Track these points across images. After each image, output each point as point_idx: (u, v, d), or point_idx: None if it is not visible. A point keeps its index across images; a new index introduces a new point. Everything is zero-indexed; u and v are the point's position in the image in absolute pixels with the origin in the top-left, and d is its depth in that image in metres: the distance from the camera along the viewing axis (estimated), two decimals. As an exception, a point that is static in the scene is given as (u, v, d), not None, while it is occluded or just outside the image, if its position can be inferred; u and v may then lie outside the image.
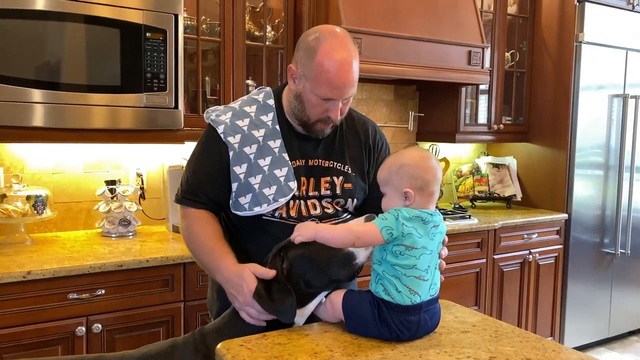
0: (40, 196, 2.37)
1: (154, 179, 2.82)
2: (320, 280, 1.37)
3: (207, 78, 2.75)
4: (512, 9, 3.70)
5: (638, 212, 3.95)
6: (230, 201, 1.58)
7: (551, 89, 3.67)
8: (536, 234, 3.47)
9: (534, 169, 3.82)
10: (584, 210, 3.68)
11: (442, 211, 3.30)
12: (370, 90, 3.52)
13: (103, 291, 2.10)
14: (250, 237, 1.58)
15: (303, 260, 1.37)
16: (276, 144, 1.57)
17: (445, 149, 3.77)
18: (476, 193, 3.76)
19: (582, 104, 3.58)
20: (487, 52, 3.42)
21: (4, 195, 2.32)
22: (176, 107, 2.38)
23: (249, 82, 2.76)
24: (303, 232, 1.34)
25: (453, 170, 3.89)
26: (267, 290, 1.37)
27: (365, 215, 1.40)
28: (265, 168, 1.55)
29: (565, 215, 3.61)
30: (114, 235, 2.53)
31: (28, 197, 2.35)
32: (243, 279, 1.39)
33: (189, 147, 1.69)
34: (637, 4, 3.73)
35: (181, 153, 2.74)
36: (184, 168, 1.74)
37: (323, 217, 1.59)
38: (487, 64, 3.39)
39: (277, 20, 2.90)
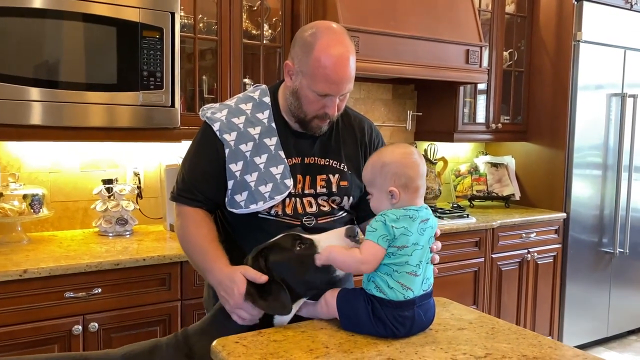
0: (37, 195, 2.36)
1: (151, 178, 2.81)
2: (298, 287, 1.37)
3: (204, 77, 2.75)
4: (510, 8, 3.70)
5: (636, 211, 3.95)
6: (226, 199, 1.58)
7: (549, 88, 3.67)
8: (534, 234, 3.47)
9: (532, 168, 3.82)
10: (582, 210, 3.68)
11: (440, 210, 3.31)
12: (368, 89, 3.52)
13: (100, 290, 2.10)
14: (246, 234, 1.58)
15: (282, 266, 1.37)
16: (272, 141, 1.57)
17: (443, 149, 3.77)
18: (474, 192, 3.76)
19: (581, 103, 3.58)
20: (486, 51, 3.42)
21: (1, 194, 2.32)
22: (173, 105, 2.37)
23: (246, 80, 2.76)
24: (321, 254, 1.34)
25: (451, 169, 3.88)
26: (258, 289, 1.36)
27: (345, 227, 1.39)
28: (261, 166, 1.54)
29: (564, 215, 3.60)
30: (111, 235, 2.53)
31: (25, 196, 2.34)
32: (234, 281, 1.38)
33: (186, 145, 1.68)
34: (635, 3, 3.73)
35: (178, 152, 2.73)
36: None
37: (319, 215, 1.59)
38: (485, 63, 3.39)
39: (274, 19, 2.90)
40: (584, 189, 3.68)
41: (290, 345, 1.26)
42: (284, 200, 1.55)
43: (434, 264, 1.38)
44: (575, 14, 3.51)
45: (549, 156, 3.70)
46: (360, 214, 1.71)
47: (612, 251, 3.83)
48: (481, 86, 3.57)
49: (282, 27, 2.83)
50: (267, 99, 1.62)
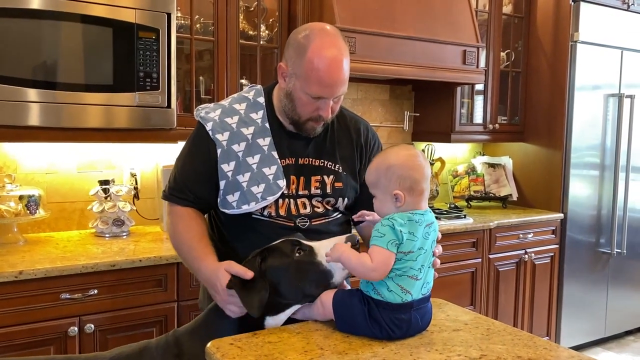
0: (33, 196, 2.36)
1: (148, 179, 2.81)
2: (292, 293, 1.37)
3: (201, 77, 2.75)
4: (507, 8, 3.70)
5: (634, 211, 3.95)
6: (218, 199, 1.57)
7: (547, 88, 3.67)
8: (532, 234, 3.47)
9: (529, 168, 3.82)
10: (579, 210, 3.68)
11: (437, 211, 3.31)
12: (366, 90, 3.52)
13: (96, 291, 2.09)
14: (239, 235, 1.57)
15: (279, 271, 1.37)
16: (265, 141, 1.56)
17: (440, 149, 3.77)
18: (472, 193, 3.76)
19: (578, 104, 3.58)
20: (483, 52, 3.42)
21: (-3, 195, 2.32)
22: (169, 106, 2.37)
23: (243, 81, 2.76)
24: (333, 252, 1.33)
25: (449, 170, 3.88)
26: (243, 281, 1.36)
27: (345, 235, 1.38)
28: (254, 166, 1.54)
29: (561, 215, 3.60)
30: (107, 236, 2.52)
31: (21, 197, 2.34)
32: (217, 277, 1.39)
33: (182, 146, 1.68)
34: (632, 4, 3.74)
35: (175, 152, 2.69)
36: (174, 165, 1.73)
37: (313, 217, 1.58)
38: (482, 64, 3.39)
39: (271, 20, 2.90)
40: (581, 190, 3.68)
41: (285, 346, 1.26)
42: (277, 201, 1.55)
43: (435, 268, 1.38)
44: (572, 14, 3.51)
45: (546, 156, 3.70)
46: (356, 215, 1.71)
47: (609, 251, 3.83)
48: (478, 87, 3.57)
49: (279, 28, 2.83)
50: (262, 99, 1.62)
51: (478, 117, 3.64)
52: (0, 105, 2.06)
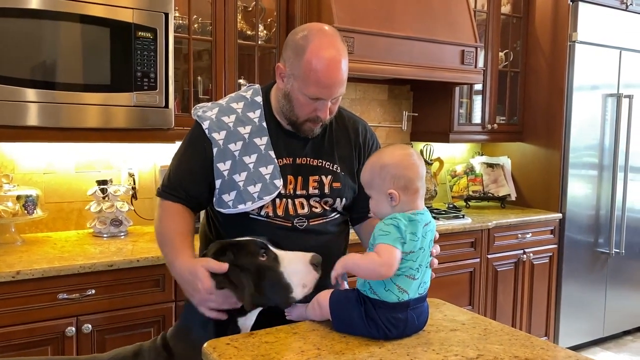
0: (30, 196, 2.36)
1: (146, 179, 2.81)
2: (253, 295, 1.36)
3: (199, 77, 2.75)
4: (505, 8, 3.70)
5: (632, 211, 3.95)
6: (214, 198, 1.57)
7: (545, 88, 3.67)
8: (530, 234, 3.47)
9: (528, 168, 3.82)
10: (578, 210, 3.68)
11: (436, 211, 3.31)
12: (364, 90, 3.51)
13: (93, 291, 2.09)
14: (236, 235, 1.56)
15: (244, 269, 1.37)
16: (262, 141, 1.56)
17: (439, 149, 3.77)
18: (470, 193, 3.76)
19: (576, 104, 3.59)
20: (481, 52, 3.42)
21: (-6, 195, 2.31)
22: (167, 106, 2.37)
23: (241, 81, 2.76)
24: (336, 268, 1.33)
25: (447, 170, 3.89)
26: (229, 280, 1.36)
27: (311, 254, 1.39)
28: (251, 165, 1.54)
29: (560, 215, 3.61)
30: (105, 236, 2.52)
31: (18, 197, 2.33)
32: (197, 277, 1.37)
33: (180, 146, 1.68)
34: (631, 4, 3.74)
35: (173, 152, 2.72)
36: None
37: (311, 217, 1.58)
38: (480, 64, 3.39)
39: (269, 20, 2.90)
40: (579, 190, 3.68)
41: (282, 346, 1.26)
42: (274, 201, 1.54)
43: (432, 268, 1.38)
44: (570, 14, 3.51)
45: (544, 156, 3.70)
46: (354, 215, 1.71)
47: (608, 251, 3.84)
48: (477, 87, 3.57)
49: (277, 28, 2.83)
50: (259, 99, 1.61)
51: (476, 117, 3.64)
52: (0, 106, 2.05)
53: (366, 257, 1.28)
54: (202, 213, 1.76)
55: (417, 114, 3.65)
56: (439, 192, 3.72)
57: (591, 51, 3.60)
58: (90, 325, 2.08)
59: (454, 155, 3.98)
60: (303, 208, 1.57)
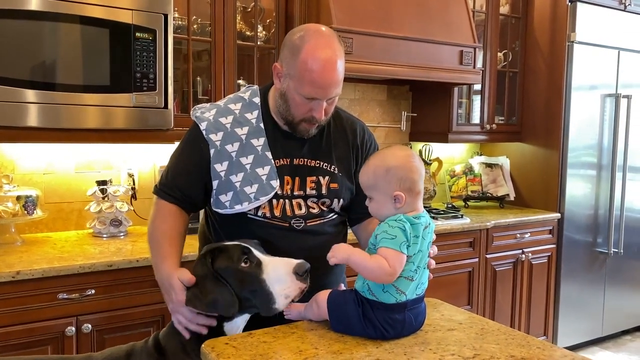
0: (30, 196, 2.36)
1: (145, 179, 2.81)
2: (231, 303, 1.36)
3: (198, 78, 2.75)
4: (504, 9, 3.71)
5: (631, 211, 3.96)
6: (211, 199, 1.58)
7: (544, 88, 3.68)
8: (529, 234, 3.48)
9: (527, 168, 3.83)
10: (576, 210, 3.69)
11: (435, 211, 3.32)
12: (363, 90, 3.52)
13: (93, 291, 2.10)
14: (234, 236, 1.57)
15: (225, 273, 1.37)
16: (259, 142, 1.57)
17: (438, 149, 3.78)
18: (469, 193, 3.77)
19: (575, 104, 3.59)
20: (480, 52, 3.43)
21: (-6, 196, 2.32)
22: (166, 106, 2.38)
23: (241, 82, 2.77)
24: (337, 253, 1.31)
25: (446, 170, 3.89)
26: (202, 291, 1.37)
27: (297, 262, 1.37)
28: (247, 166, 1.55)
29: (558, 215, 3.61)
30: (105, 236, 2.53)
31: (18, 198, 2.34)
32: (172, 286, 1.42)
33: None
34: (629, 4, 3.75)
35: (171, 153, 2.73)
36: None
37: (308, 217, 1.59)
38: (479, 64, 3.40)
39: (268, 20, 2.91)
40: (578, 189, 3.69)
41: (280, 346, 1.27)
42: (271, 202, 1.55)
43: (429, 269, 1.39)
44: (569, 14, 3.52)
45: (543, 156, 3.71)
46: (352, 216, 1.72)
47: (606, 251, 3.84)
48: (476, 87, 3.58)
49: (276, 29, 2.84)
50: (257, 100, 1.62)
51: (475, 117, 3.64)
52: (0, 107, 2.06)
53: (375, 261, 1.26)
54: (202, 213, 1.77)
55: (416, 114, 3.66)
56: (438, 192, 3.73)
57: (590, 51, 3.61)
58: (90, 325, 2.09)
59: (452, 155, 3.99)
60: (300, 209, 1.58)
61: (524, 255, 3.45)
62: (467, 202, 3.79)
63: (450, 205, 3.58)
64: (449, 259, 3.11)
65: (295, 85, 1.48)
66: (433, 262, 1.40)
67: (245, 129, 1.57)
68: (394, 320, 1.29)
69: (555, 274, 3.64)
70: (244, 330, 1.43)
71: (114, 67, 2.25)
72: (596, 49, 3.64)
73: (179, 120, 2.47)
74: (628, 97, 3.82)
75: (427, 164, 3.61)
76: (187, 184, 1.59)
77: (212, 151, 1.55)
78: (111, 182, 2.62)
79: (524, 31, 3.76)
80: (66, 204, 2.65)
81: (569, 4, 3.52)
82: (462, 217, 3.26)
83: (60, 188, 2.63)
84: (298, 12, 2.78)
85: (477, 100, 3.65)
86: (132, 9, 2.26)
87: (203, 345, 1.28)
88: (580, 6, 3.51)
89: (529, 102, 3.78)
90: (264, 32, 2.88)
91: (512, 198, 3.82)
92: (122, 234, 2.56)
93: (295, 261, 1.38)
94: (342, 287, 1.48)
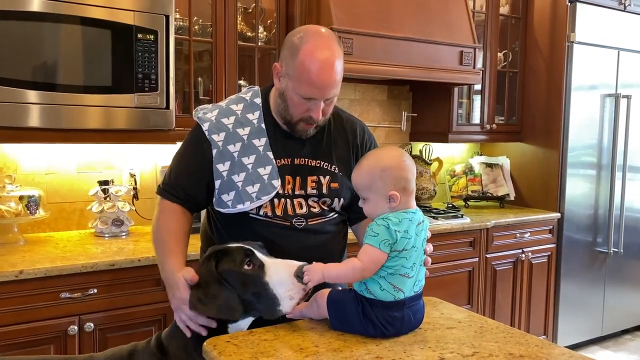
0: (33, 196, 2.38)
1: (147, 179, 2.83)
2: (236, 306, 1.37)
3: (199, 79, 2.77)
4: (504, 9, 3.72)
5: (630, 211, 3.97)
6: (214, 198, 1.60)
7: (544, 88, 3.69)
8: (529, 233, 3.49)
9: (527, 168, 3.84)
10: (576, 210, 3.70)
11: (435, 210, 3.33)
12: (364, 90, 3.54)
13: (95, 290, 2.12)
14: (237, 235, 1.58)
15: (229, 276, 1.38)
16: (261, 142, 1.59)
17: (438, 149, 3.79)
18: (469, 193, 3.78)
19: (575, 104, 3.61)
20: (480, 53, 3.44)
21: (-3, 196, 2.34)
22: (167, 107, 2.39)
23: (242, 82, 2.78)
24: (312, 275, 1.34)
25: (446, 170, 3.91)
26: (206, 294, 1.37)
27: (298, 264, 1.38)
28: (249, 166, 1.56)
29: (558, 215, 3.62)
30: (107, 235, 2.55)
31: (21, 198, 2.36)
32: (177, 285, 1.43)
33: (181, 147, 1.71)
34: (629, 4, 3.76)
35: (174, 153, 2.74)
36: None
37: (309, 216, 1.60)
38: (479, 64, 3.41)
39: (269, 21, 2.92)
40: (578, 189, 3.70)
41: (281, 344, 1.28)
42: (273, 201, 1.57)
43: (426, 267, 1.40)
44: (568, 15, 3.53)
45: (543, 156, 3.72)
46: (352, 215, 1.73)
47: (606, 251, 3.85)
48: (476, 87, 3.59)
49: (276, 29, 2.85)
50: (258, 100, 1.64)
51: (475, 117, 3.66)
52: (0, 107, 2.08)
53: (345, 265, 1.33)
54: (203, 213, 1.79)
55: (416, 114, 3.68)
56: (438, 192, 3.74)
57: (589, 51, 3.62)
58: (92, 324, 2.11)
59: (453, 155, 4.00)
60: (301, 208, 1.60)
61: (524, 255, 3.47)
62: (468, 202, 3.80)
63: (450, 205, 3.59)
64: (449, 258, 3.12)
65: (294, 85, 1.50)
66: (429, 259, 1.42)
67: (247, 130, 1.59)
68: (393, 317, 1.30)
69: (555, 273, 3.65)
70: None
71: (115, 68, 2.26)
72: (596, 49, 3.65)
73: (181, 120, 2.49)
74: (628, 97, 3.83)
75: (427, 164, 3.63)
76: (190, 184, 1.61)
77: (214, 151, 1.57)
78: (113, 182, 2.63)
79: (524, 31, 3.77)
80: (68, 203, 2.66)
81: (569, 4, 3.53)
82: (462, 216, 3.27)
83: (62, 188, 2.64)
84: (298, 13, 2.80)
85: (477, 100, 3.66)
86: (133, 10, 2.27)
87: (205, 343, 1.29)
88: (580, 6, 3.52)
89: (529, 102, 3.79)
90: (264, 33, 2.90)
91: (512, 198, 3.83)
92: (123, 233, 2.58)
93: (297, 263, 1.39)
94: (339, 287, 1.49)
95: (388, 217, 1.31)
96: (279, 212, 1.58)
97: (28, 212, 2.36)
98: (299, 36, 1.51)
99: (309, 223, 1.60)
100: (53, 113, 2.17)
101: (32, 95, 2.13)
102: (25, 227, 2.53)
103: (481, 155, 4.01)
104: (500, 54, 3.69)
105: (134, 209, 2.67)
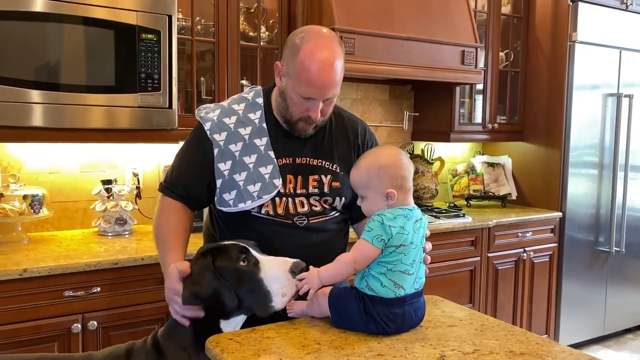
0: (37, 195, 2.39)
1: (149, 178, 2.84)
2: (230, 300, 1.38)
3: (202, 78, 2.78)
4: (506, 9, 3.73)
5: (632, 210, 3.97)
6: (215, 197, 1.61)
7: (545, 88, 3.70)
8: (531, 233, 3.49)
9: (528, 167, 3.85)
10: (578, 209, 3.70)
11: (436, 210, 3.34)
12: (366, 90, 3.54)
13: (99, 289, 2.13)
14: (239, 233, 1.60)
15: (225, 272, 1.39)
16: (262, 141, 1.60)
17: (440, 149, 3.80)
18: (471, 192, 3.78)
19: (576, 103, 3.61)
20: (482, 52, 3.44)
21: (1, 195, 2.35)
22: (170, 107, 2.41)
23: (244, 82, 2.79)
24: (310, 282, 1.36)
25: (448, 169, 3.91)
26: (202, 286, 1.38)
27: (293, 261, 1.40)
28: (251, 165, 1.58)
29: (560, 214, 3.63)
30: (110, 234, 2.56)
31: (25, 197, 2.37)
32: (169, 276, 1.45)
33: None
34: (631, 4, 3.76)
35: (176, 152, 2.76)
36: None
37: (311, 215, 1.61)
38: (481, 64, 3.42)
39: (271, 21, 2.93)
40: (580, 188, 3.70)
41: (283, 341, 1.29)
42: (274, 200, 1.58)
43: (425, 264, 1.42)
44: (570, 14, 3.53)
45: (545, 156, 3.73)
46: (353, 214, 1.73)
47: (608, 250, 3.86)
48: (478, 86, 3.60)
49: (279, 29, 2.86)
50: (260, 100, 1.65)
51: (477, 117, 3.66)
52: (4, 107, 2.09)
53: (338, 262, 1.35)
54: (206, 211, 1.80)
55: (418, 114, 3.68)
56: (440, 192, 3.74)
57: (591, 51, 3.62)
58: (95, 322, 2.12)
59: (455, 154, 4.01)
60: (303, 206, 1.61)
61: (525, 254, 3.47)
62: (469, 201, 3.81)
63: (452, 205, 3.60)
64: (451, 257, 3.12)
65: (293, 85, 1.51)
66: (429, 257, 1.44)
67: (249, 129, 1.60)
68: (394, 314, 1.32)
69: (557, 272, 3.66)
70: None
71: (118, 67, 2.27)
72: (598, 48, 3.65)
73: (183, 120, 2.50)
74: (630, 96, 3.83)
75: (429, 163, 3.63)
76: (191, 182, 1.62)
77: (215, 151, 1.58)
78: (116, 181, 2.64)
79: (526, 31, 3.77)
80: (71, 203, 2.67)
81: (571, 3, 3.53)
82: (464, 216, 3.27)
83: (65, 187, 2.65)
84: (300, 13, 2.81)
85: (479, 99, 3.67)
86: (136, 10, 2.28)
87: (207, 341, 1.30)
88: (581, 6, 3.53)
89: (531, 102, 3.79)
90: (267, 33, 2.91)
91: (514, 197, 3.83)
92: (126, 232, 2.59)
93: (291, 260, 1.41)
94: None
95: (383, 213, 1.33)
96: (280, 210, 1.59)
97: (32, 211, 2.38)
98: (300, 36, 1.52)
99: (311, 221, 1.61)
100: (56, 113, 2.18)
101: (35, 95, 2.14)
102: (29, 226, 2.54)
103: (483, 154, 4.01)
104: (502, 54, 3.70)
105: (137, 208, 2.69)
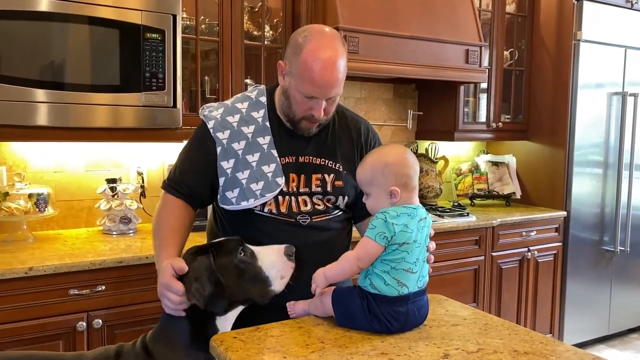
0: (42, 194, 2.40)
1: (154, 177, 2.85)
2: (236, 292, 1.41)
3: (206, 77, 2.79)
4: (510, 7, 3.72)
5: (637, 209, 3.96)
6: (218, 195, 1.62)
7: (550, 87, 3.69)
8: (535, 232, 3.49)
9: (533, 167, 3.84)
10: (583, 208, 3.69)
11: (440, 209, 3.33)
12: (370, 89, 3.54)
13: (103, 287, 2.14)
14: (242, 231, 1.60)
15: (224, 269, 1.41)
16: (265, 140, 1.60)
17: (444, 148, 3.79)
18: (475, 191, 3.78)
19: (581, 102, 3.60)
20: (486, 51, 3.44)
21: (7, 194, 2.36)
22: (174, 106, 2.41)
23: (248, 81, 2.79)
24: (317, 281, 1.39)
25: (452, 168, 3.91)
26: (201, 285, 1.39)
27: (284, 245, 1.47)
28: (254, 164, 1.58)
29: (564, 213, 3.62)
30: (114, 233, 2.57)
31: (30, 196, 2.38)
32: (162, 271, 1.44)
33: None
34: (636, 2, 3.74)
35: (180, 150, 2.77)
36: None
37: (313, 214, 1.61)
38: (485, 63, 3.41)
39: (275, 20, 2.93)
40: (584, 188, 3.69)
41: (287, 340, 1.29)
42: (277, 199, 1.58)
43: (429, 264, 1.42)
44: (575, 13, 3.52)
45: (549, 155, 3.72)
46: (356, 213, 1.74)
47: (612, 249, 3.85)
48: (482, 85, 3.59)
49: (282, 28, 2.86)
50: (264, 99, 1.66)
51: (482, 116, 3.66)
52: (10, 106, 2.10)
53: (342, 260, 1.37)
54: (210, 210, 1.81)
55: (422, 113, 3.68)
56: (444, 190, 3.74)
57: (596, 50, 3.61)
58: (100, 321, 2.13)
59: (459, 153, 4.01)
60: (306, 205, 1.61)
61: (530, 254, 3.46)
62: (473, 201, 3.80)
63: (456, 204, 3.59)
64: (455, 256, 3.12)
65: (296, 84, 1.52)
66: (432, 257, 1.44)
67: (252, 128, 1.61)
68: (398, 312, 1.32)
69: (562, 272, 3.65)
70: (233, 326, 1.46)
71: (123, 67, 2.28)
72: (602, 47, 3.64)
73: (187, 119, 2.50)
74: (635, 95, 3.82)
75: (433, 162, 3.63)
76: (194, 180, 1.63)
77: (218, 149, 1.59)
78: (121, 180, 2.65)
79: (530, 30, 3.76)
80: (76, 201, 2.69)
81: (575, 2, 3.52)
82: (468, 215, 3.27)
83: (70, 186, 2.67)
84: (304, 12, 2.81)
85: (483, 98, 3.66)
86: (141, 10, 2.29)
87: (212, 339, 1.31)
88: (586, 4, 3.52)
89: (535, 101, 3.78)
90: (270, 32, 2.91)
91: (518, 196, 3.82)
92: (131, 231, 2.60)
93: (282, 245, 1.49)
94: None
95: (386, 211, 1.34)
96: (283, 209, 1.59)
97: (37, 209, 2.39)
98: (303, 35, 1.52)
99: (314, 220, 1.61)
100: (61, 112, 2.19)
101: (40, 94, 2.15)
102: (34, 225, 2.55)
103: (487, 153, 4.01)
104: (506, 53, 3.69)
105: (141, 206, 2.70)
